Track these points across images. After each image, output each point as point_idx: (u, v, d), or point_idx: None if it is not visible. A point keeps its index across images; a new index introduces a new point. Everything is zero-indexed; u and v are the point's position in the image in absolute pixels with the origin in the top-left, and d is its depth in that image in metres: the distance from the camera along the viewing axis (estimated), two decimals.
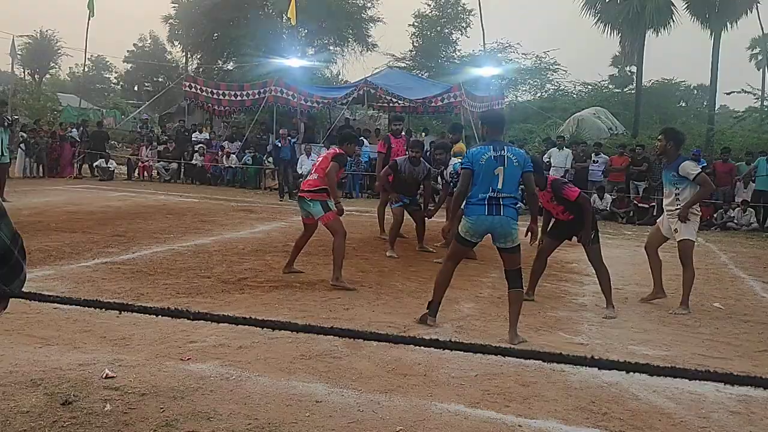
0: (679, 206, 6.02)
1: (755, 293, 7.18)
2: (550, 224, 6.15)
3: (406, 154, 8.52)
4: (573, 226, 5.79)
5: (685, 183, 5.95)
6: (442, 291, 5.04)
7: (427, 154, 10.08)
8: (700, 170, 6.05)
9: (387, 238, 8.37)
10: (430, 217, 8.40)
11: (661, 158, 6.17)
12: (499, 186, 4.70)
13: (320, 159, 6.56)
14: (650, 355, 4.62)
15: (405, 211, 8.28)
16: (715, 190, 6.33)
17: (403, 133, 9.62)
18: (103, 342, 4.21)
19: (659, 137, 6.23)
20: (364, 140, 17.10)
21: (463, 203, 4.97)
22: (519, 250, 4.82)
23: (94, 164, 18.49)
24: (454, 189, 7.92)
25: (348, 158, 6.74)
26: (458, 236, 4.91)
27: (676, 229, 6.07)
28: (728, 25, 25.34)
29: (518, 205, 4.89)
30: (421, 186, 8.57)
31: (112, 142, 25.16)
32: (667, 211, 6.22)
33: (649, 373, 1.04)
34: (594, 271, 5.93)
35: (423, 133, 17.64)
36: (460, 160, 7.84)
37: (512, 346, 3.92)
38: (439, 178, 9.39)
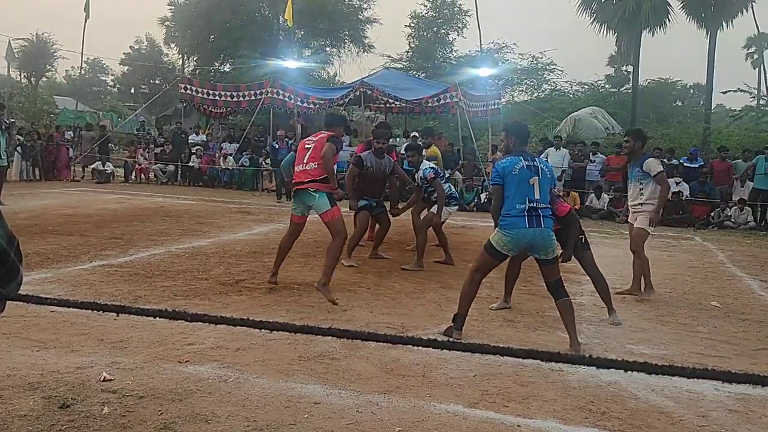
0: (642, 200, 6.49)
1: (753, 292, 7.19)
2: None
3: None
4: (558, 236, 5.69)
5: (648, 179, 6.41)
6: (468, 303, 4.79)
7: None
8: (661, 169, 6.48)
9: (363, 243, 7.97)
10: (396, 216, 7.87)
11: (629, 157, 6.75)
12: (537, 196, 4.54)
13: (312, 144, 5.81)
14: (648, 354, 4.62)
15: (370, 216, 7.67)
16: (667, 193, 6.71)
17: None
18: (100, 345, 4.20)
19: (627, 138, 6.71)
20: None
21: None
22: (556, 260, 4.69)
23: (91, 167, 18.46)
24: (425, 192, 7.73)
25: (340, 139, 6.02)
26: (491, 249, 4.66)
27: (636, 217, 6.58)
28: (724, 25, 25.45)
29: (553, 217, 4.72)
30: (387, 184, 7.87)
31: (110, 145, 25.16)
32: (631, 204, 6.71)
33: (647, 371, 1.04)
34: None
35: (416, 134, 17.61)
36: (431, 165, 7.75)
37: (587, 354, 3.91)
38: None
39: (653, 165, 6.41)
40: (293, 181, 5.84)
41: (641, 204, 6.49)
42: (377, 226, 8.00)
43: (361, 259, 7.72)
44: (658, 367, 1.03)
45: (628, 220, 6.90)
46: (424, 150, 8.50)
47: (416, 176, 7.69)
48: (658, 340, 5.02)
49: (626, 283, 6.85)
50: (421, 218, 7.77)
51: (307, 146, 5.84)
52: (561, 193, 9.58)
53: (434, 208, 7.55)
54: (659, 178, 6.37)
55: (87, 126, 21.10)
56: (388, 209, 7.87)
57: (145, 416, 3.15)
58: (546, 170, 4.68)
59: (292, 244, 6.19)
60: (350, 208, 7.55)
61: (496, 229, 4.66)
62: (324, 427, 3.13)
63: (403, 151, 10.19)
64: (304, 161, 5.73)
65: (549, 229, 4.59)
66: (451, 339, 4.52)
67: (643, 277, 6.57)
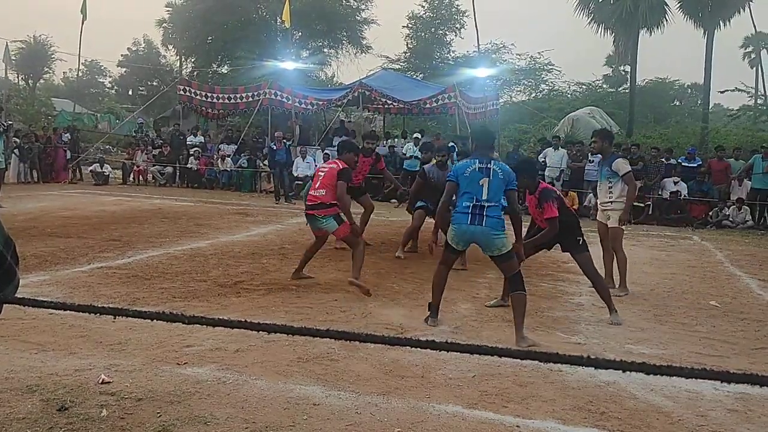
0: (611, 198, 6.70)
1: (751, 291, 7.20)
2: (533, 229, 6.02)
3: (362, 171, 8.50)
4: (559, 237, 5.68)
5: (617, 178, 6.61)
6: (439, 293, 5.16)
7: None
8: (629, 169, 6.66)
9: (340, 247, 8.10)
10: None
11: (598, 156, 7.17)
12: (484, 196, 4.83)
13: (324, 172, 6.29)
14: (647, 354, 4.62)
15: (426, 214, 8.05)
16: (635, 194, 6.93)
17: (374, 153, 9.01)
18: (98, 347, 4.19)
19: (594, 140, 6.92)
20: None
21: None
22: (510, 257, 4.86)
23: (89, 169, 18.45)
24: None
25: (351, 170, 6.54)
26: (446, 243, 5.09)
27: (609, 216, 6.75)
28: (721, 24, 25.47)
29: (502, 217, 4.90)
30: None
31: (107, 146, 25.12)
32: (601, 202, 6.94)
33: (645, 371, 1.04)
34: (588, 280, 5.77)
35: (419, 135, 17.60)
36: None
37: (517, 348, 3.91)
38: None
39: (621, 165, 6.63)
40: (306, 203, 6.34)
41: (611, 202, 6.72)
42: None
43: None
44: (657, 368, 1.03)
45: (597, 218, 7.10)
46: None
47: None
48: (657, 340, 5.03)
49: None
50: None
51: (320, 172, 6.36)
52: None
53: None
54: (627, 178, 6.57)
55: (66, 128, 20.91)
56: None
57: (143, 418, 3.14)
58: (499, 172, 4.92)
59: (317, 251, 6.61)
60: (407, 211, 8.67)
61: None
62: (323, 429, 3.13)
63: (416, 153, 10.40)
64: (316, 186, 6.20)
65: (490, 228, 4.80)
66: (448, 339, 4.53)
67: (619, 274, 6.72)
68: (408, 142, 17.37)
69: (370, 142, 8.98)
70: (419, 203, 8.06)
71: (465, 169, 4.96)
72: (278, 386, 3.64)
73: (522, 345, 4.57)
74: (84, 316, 4.65)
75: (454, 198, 5.16)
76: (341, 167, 6.22)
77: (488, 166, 4.92)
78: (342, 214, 6.12)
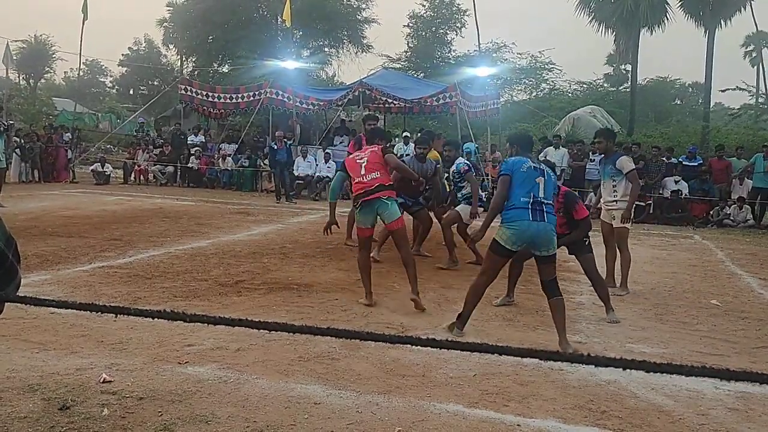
0: (616, 197, 6.69)
1: (752, 290, 7.20)
2: None
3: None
4: (561, 239, 5.70)
5: (621, 176, 6.62)
6: (472, 305, 4.87)
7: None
8: (633, 167, 6.69)
9: (352, 244, 7.92)
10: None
11: (600, 155, 7.15)
12: (541, 194, 4.64)
13: (365, 158, 5.69)
14: (648, 353, 4.62)
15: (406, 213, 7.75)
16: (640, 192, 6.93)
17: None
18: (100, 346, 4.20)
19: (599, 140, 6.85)
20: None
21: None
22: (555, 258, 4.77)
23: (91, 168, 18.47)
24: (455, 188, 7.89)
25: None
26: (496, 246, 4.68)
27: (613, 216, 6.76)
28: (722, 23, 25.46)
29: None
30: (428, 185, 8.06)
31: (108, 146, 25.12)
32: (605, 201, 6.91)
33: (645, 369, 1.04)
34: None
35: (418, 134, 17.58)
36: (464, 161, 7.90)
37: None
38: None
39: (626, 163, 6.63)
40: (354, 193, 5.65)
41: (616, 201, 6.71)
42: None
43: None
44: (657, 365, 1.03)
45: (601, 217, 7.07)
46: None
47: (450, 171, 7.96)
48: (658, 339, 5.03)
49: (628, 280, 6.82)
50: (444, 216, 7.87)
51: (359, 161, 5.72)
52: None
53: (459, 207, 7.70)
54: (631, 176, 6.58)
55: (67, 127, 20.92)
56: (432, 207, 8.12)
57: (144, 417, 3.15)
58: (550, 175, 4.83)
59: (371, 260, 5.98)
60: None
61: (500, 225, 4.69)
62: (324, 428, 3.13)
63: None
64: (362, 173, 5.59)
65: (551, 225, 4.64)
66: (450, 337, 4.52)
67: (621, 273, 6.74)
68: (398, 142, 17.13)
69: (371, 124, 8.60)
70: (398, 200, 7.62)
71: (521, 165, 4.70)
72: (279, 385, 3.64)
73: (568, 350, 4.46)
74: (85, 315, 4.66)
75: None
76: (379, 146, 5.84)
77: (540, 166, 4.80)
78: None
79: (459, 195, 7.83)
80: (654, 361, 1.07)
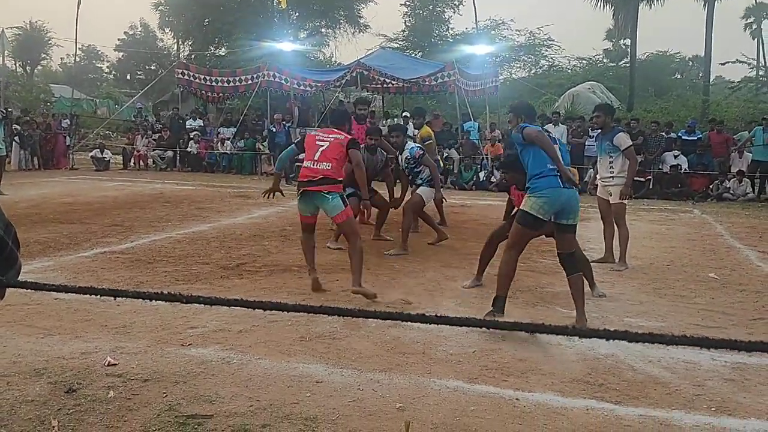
0: (612, 173, 6.67)
1: (750, 263, 7.23)
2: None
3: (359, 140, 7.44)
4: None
5: (618, 152, 6.59)
6: (507, 283, 4.63)
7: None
8: (630, 143, 6.65)
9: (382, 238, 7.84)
10: (398, 207, 7.80)
11: (598, 131, 7.12)
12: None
13: (325, 143, 5.37)
14: (646, 327, 4.66)
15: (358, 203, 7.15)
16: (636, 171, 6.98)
17: (368, 120, 8.33)
18: (104, 330, 4.25)
19: (597, 114, 6.80)
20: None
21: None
22: (576, 229, 4.69)
23: (90, 155, 18.46)
24: (410, 174, 7.55)
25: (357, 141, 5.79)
26: (526, 217, 4.50)
27: (610, 192, 6.74)
28: None
29: None
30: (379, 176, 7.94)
31: (107, 132, 25.08)
32: (601, 177, 6.88)
33: (628, 339, 1.07)
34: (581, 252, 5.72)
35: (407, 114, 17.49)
36: (416, 145, 7.67)
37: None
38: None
39: (623, 139, 6.60)
40: (300, 178, 5.42)
41: (612, 177, 6.70)
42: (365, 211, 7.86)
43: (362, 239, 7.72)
44: (638, 335, 1.07)
45: (597, 193, 7.06)
46: (416, 130, 8.38)
47: (401, 158, 7.55)
48: (656, 313, 5.07)
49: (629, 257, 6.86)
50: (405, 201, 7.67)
51: (319, 142, 5.39)
52: None
53: (420, 190, 7.41)
54: (628, 153, 6.55)
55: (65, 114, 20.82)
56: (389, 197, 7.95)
57: (150, 398, 3.21)
58: (559, 143, 4.79)
59: (315, 241, 5.65)
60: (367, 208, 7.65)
61: (528, 195, 4.54)
62: (326, 405, 3.19)
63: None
64: (315, 158, 5.29)
65: (577, 192, 4.60)
66: (447, 313, 4.56)
67: (619, 248, 6.73)
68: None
69: (362, 108, 8.36)
70: (349, 190, 6.75)
71: (540, 130, 4.62)
72: (281, 365, 3.70)
73: (584, 326, 4.49)
74: (89, 300, 4.70)
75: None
76: (348, 138, 5.49)
77: (551, 135, 4.74)
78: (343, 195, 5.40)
79: (418, 180, 7.46)
80: (638, 332, 1.10)
